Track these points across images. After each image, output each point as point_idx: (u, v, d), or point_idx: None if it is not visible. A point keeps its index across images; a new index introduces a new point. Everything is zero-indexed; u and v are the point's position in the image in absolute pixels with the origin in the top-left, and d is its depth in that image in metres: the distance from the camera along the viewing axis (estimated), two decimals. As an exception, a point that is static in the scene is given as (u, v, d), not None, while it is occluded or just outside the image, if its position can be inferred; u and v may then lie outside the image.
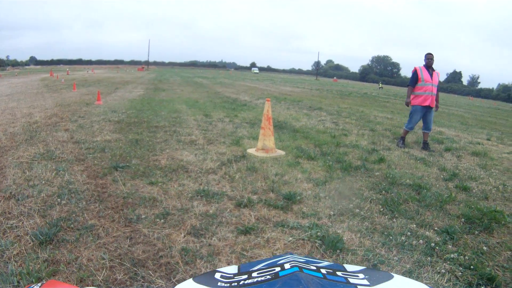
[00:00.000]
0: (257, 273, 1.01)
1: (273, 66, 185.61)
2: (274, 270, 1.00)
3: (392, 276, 1.03)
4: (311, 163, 6.23)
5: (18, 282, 2.91)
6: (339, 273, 1.01)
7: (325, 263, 1.16)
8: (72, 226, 3.76)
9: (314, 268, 1.02)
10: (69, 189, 4.66)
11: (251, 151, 6.68)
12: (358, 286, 0.91)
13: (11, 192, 4.68)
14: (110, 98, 14.70)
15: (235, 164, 5.90)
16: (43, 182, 4.95)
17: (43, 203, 4.33)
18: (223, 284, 0.97)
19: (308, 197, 4.63)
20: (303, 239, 3.54)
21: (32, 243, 3.49)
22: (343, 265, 1.13)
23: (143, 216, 3.89)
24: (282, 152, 6.71)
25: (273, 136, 6.66)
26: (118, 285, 2.83)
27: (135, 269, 2.99)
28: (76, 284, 2.85)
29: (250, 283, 0.93)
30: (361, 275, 1.02)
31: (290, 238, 3.54)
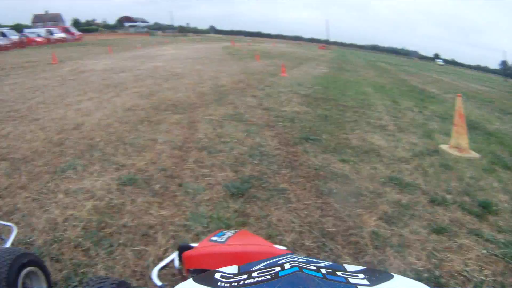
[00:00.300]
0: (257, 273, 1.09)
1: (457, 59, 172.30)
2: (274, 270, 1.08)
3: (392, 276, 1.03)
4: (508, 173, 5.79)
5: (208, 224, 3.61)
6: (339, 273, 1.08)
7: (325, 263, 1.22)
8: (263, 185, 4.45)
9: (314, 268, 1.10)
10: (260, 151, 5.57)
11: (444, 147, 6.50)
12: (358, 286, 0.97)
13: (203, 145, 5.79)
14: (295, 72, 15.67)
15: (428, 157, 5.79)
16: (235, 140, 5.98)
17: (234, 159, 5.24)
18: (223, 284, 1.04)
19: (505, 211, 4.36)
20: (496, 255, 3.38)
21: (223, 193, 4.24)
22: (343, 265, 1.15)
23: (334, 191, 4.39)
24: (476, 155, 6.42)
25: (466, 135, 6.37)
26: (305, 250, 3.28)
27: (324, 239, 3.42)
28: (266, 237, 3.20)
29: (250, 283, 1.00)
30: (361, 275, 1.07)
31: (484, 251, 3.42)
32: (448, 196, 4.57)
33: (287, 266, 1.02)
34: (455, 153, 6.38)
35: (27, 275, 2.49)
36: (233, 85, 11.09)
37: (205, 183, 4.50)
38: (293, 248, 3.23)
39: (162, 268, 2.16)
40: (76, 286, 2.80)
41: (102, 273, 2.92)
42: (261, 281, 0.91)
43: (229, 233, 1.90)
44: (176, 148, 5.66)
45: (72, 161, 5.17)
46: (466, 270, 3.06)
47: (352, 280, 0.92)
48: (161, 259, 3.09)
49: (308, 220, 3.68)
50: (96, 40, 50.75)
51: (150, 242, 3.35)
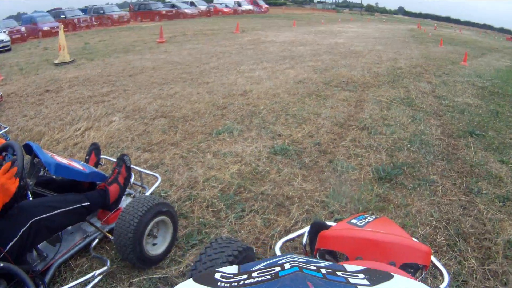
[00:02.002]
0: (257, 273, 1.07)
1: None
2: (274, 270, 1.06)
3: (392, 276, 0.88)
4: None
5: (346, 204, 3.73)
6: (339, 273, 0.96)
7: (325, 263, 1.04)
8: (413, 174, 4.42)
9: (314, 268, 1.04)
10: (421, 139, 5.46)
11: None
12: (358, 286, 0.86)
13: (365, 124, 5.90)
14: (476, 62, 14.48)
15: None
16: (398, 124, 5.94)
17: (393, 143, 5.25)
18: (223, 284, 1.04)
19: None
20: None
21: (371, 175, 4.34)
22: (343, 265, 0.97)
23: (484, 191, 4.14)
24: None
25: None
26: (433, 246, 3.19)
27: (457, 239, 3.31)
28: (400, 226, 3.19)
29: (250, 283, 0.99)
30: (361, 275, 0.93)
31: None
32: None
33: (287, 266, 1.06)
34: None
35: (157, 223, 2.86)
36: (410, 69, 10.70)
37: (356, 163, 4.62)
38: (422, 242, 3.17)
39: (287, 241, 2.32)
40: (195, 244, 3.14)
41: (225, 235, 3.21)
42: (261, 281, 0.95)
43: (370, 218, 1.95)
44: (337, 124, 5.84)
45: (230, 125, 5.66)
46: None
47: (352, 280, 0.96)
48: (288, 231, 3.32)
49: (447, 217, 3.58)
50: (282, 14, 52.56)
51: (282, 212, 3.61)
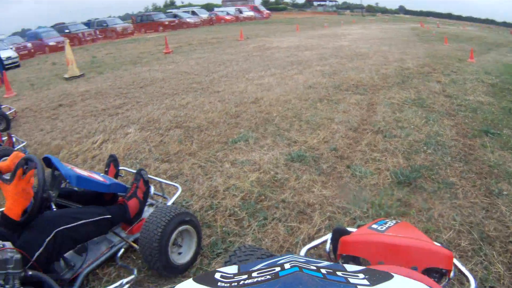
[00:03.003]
0: (257, 273, 1.06)
1: None
2: (274, 270, 1.05)
3: (392, 276, 0.88)
4: None
5: (367, 209, 3.72)
6: (339, 273, 0.95)
7: (325, 263, 1.04)
8: (432, 177, 4.38)
9: (314, 268, 1.04)
10: (436, 140, 5.42)
11: None
12: (358, 286, 0.86)
13: (379, 128, 5.89)
14: (483, 58, 14.43)
15: None
16: (412, 126, 5.92)
17: (409, 146, 5.23)
18: (223, 284, 1.03)
19: None
20: None
21: (390, 180, 4.32)
22: (343, 265, 0.97)
23: (505, 192, 4.07)
24: None
25: None
26: (458, 251, 3.17)
27: (481, 243, 3.27)
28: (423, 231, 3.17)
29: (250, 283, 0.98)
30: (361, 275, 0.93)
31: None
32: None
33: (287, 266, 1.05)
34: None
35: (181, 232, 2.90)
36: (418, 69, 10.67)
37: (374, 167, 4.61)
38: (447, 247, 3.15)
39: (310, 248, 2.33)
40: (220, 253, 3.16)
41: (249, 243, 3.23)
42: (261, 281, 0.94)
43: (390, 223, 1.94)
44: (351, 129, 5.84)
45: (245, 133, 5.69)
46: None
47: (352, 280, 0.94)
48: (312, 239, 3.34)
49: (470, 220, 3.54)
50: (284, 19, 52.69)
51: (305, 220, 3.62)
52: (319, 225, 3.49)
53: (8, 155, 4.60)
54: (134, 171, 3.53)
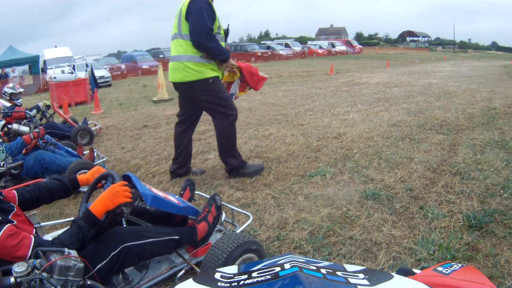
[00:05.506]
0: (257, 273, 1.06)
1: None
2: (274, 270, 1.05)
3: (392, 276, 0.92)
4: None
5: (434, 252, 3.69)
6: (339, 273, 0.97)
7: (325, 263, 1.06)
8: (505, 222, 4.26)
9: (314, 268, 1.01)
10: None
11: None
12: (358, 286, 0.89)
13: (458, 169, 5.81)
14: None
15: None
16: (491, 169, 5.77)
17: (485, 189, 5.12)
18: (223, 284, 1.04)
19: None
20: None
21: (461, 223, 4.25)
22: (343, 265, 1.02)
23: None
24: None
25: None
26: None
27: None
28: (488, 276, 3.17)
29: (250, 283, 1.00)
30: (361, 275, 0.96)
31: None
32: None
33: (287, 266, 1.08)
34: None
35: (244, 260, 2.92)
36: (505, 109, 10.20)
37: (447, 209, 4.60)
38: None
39: None
40: None
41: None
42: (261, 281, 0.99)
43: (456, 267, 1.98)
44: (430, 169, 5.85)
45: (323, 167, 5.88)
46: None
47: (352, 280, 1.00)
48: (374, 279, 3.34)
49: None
50: (376, 54, 52.20)
51: (369, 258, 3.68)
52: (383, 264, 3.52)
53: (88, 169, 5.10)
54: (209, 196, 3.68)
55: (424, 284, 1.08)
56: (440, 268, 1.86)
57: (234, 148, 5.68)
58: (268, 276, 1.01)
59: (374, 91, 14.61)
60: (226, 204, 3.91)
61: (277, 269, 1.07)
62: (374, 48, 73.78)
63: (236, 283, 1.02)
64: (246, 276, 1.08)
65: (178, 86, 5.42)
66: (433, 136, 7.64)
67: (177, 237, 2.97)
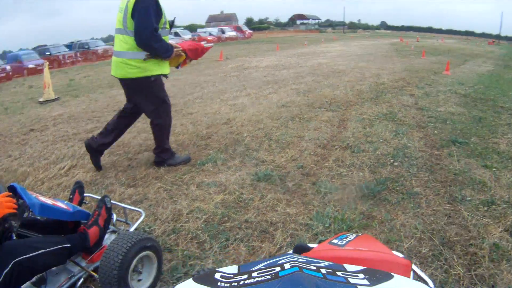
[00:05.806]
0: (257, 273, 1.08)
1: None
2: (274, 270, 1.07)
3: (392, 276, 0.91)
4: None
5: (330, 224, 3.77)
6: (339, 273, 0.98)
7: (325, 263, 1.06)
8: (397, 188, 4.47)
9: (314, 268, 1.06)
10: (404, 152, 5.54)
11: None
12: (358, 286, 0.88)
13: (348, 143, 5.97)
14: (458, 69, 14.83)
15: None
16: (381, 140, 6.03)
17: (376, 160, 5.31)
18: (223, 284, 1.05)
19: None
20: None
21: (355, 194, 4.38)
22: (343, 265, 0.99)
23: (467, 198, 4.21)
24: None
25: None
26: (418, 258, 3.22)
27: (442, 248, 3.34)
28: (385, 242, 3.23)
29: (250, 283, 1.00)
30: (361, 275, 0.95)
31: None
32: None
33: (287, 266, 1.05)
34: None
35: (142, 258, 2.84)
36: (393, 83, 10.89)
37: (339, 182, 4.66)
38: (408, 256, 3.18)
39: None
40: (180, 277, 3.14)
41: (210, 266, 3.23)
42: (261, 281, 0.95)
43: (351, 237, 1.93)
44: (320, 146, 5.90)
45: (214, 154, 5.69)
46: None
47: (352, 280, 0.96)
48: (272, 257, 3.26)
49: (432, 227, 3.61)
50: (266, 38, 53.32)
51: (267, 238, 3.61)
52: (281, 243, 3.48)
53: (-29, 183, 4.55)
54: (99, 197, 3.47)
55: (424, 285, 0.98)
56: (335, 241, 1.83)
57: (167, 142, 5.48)
58: (268, 276, 0.99)
59: (264, 74, 14.77)
60: (117, 203, 3.62)
61: (277, 269, 1.05)
62: (264, 32, 75.57)
63: (236, 283, 1.00)
64: (246, 276, 1.05)
65: (121, 81, 5.19)
66: (322, 113, 7.80)
67: (69, 244, 2.77)
